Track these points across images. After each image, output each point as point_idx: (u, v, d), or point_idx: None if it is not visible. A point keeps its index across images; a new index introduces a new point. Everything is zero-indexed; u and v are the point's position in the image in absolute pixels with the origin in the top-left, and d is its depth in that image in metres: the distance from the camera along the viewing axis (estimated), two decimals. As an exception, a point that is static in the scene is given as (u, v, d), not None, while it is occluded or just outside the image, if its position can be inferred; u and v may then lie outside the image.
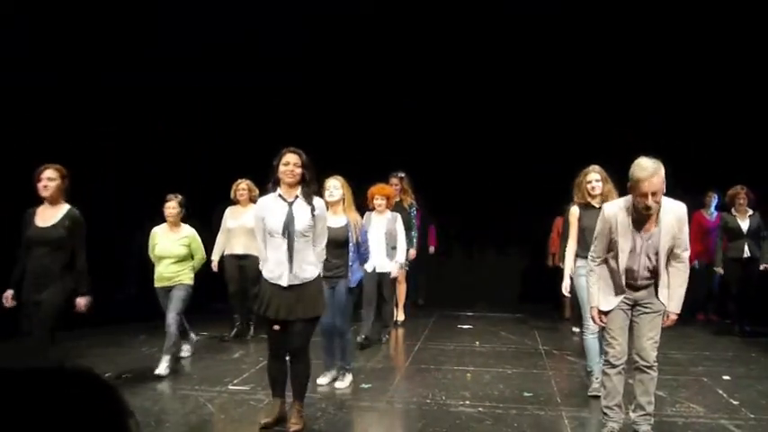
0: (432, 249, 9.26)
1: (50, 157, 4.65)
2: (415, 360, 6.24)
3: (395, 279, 7.01)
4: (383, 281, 6.66)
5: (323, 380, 5.23)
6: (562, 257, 5.44)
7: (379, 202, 6.50)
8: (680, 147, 8.52)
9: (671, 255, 3.76)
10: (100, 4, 7.15)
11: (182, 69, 7.88)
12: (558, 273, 6.43)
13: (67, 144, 6.31)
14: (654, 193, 3.56)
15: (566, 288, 5.11)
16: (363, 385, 5.30)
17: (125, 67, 7.36)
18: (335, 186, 5.18)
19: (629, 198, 3.75)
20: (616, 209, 3.80)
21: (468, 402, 4.84)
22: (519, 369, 5.88)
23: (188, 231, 5.84)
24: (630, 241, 3.73)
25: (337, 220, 5.19)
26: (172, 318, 5.56)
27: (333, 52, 8.95)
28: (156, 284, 5.77)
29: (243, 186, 6.79)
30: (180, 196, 5.78)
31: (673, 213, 3.70)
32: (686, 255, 3.81)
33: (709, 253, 7.94)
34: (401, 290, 7.82)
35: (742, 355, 6.48)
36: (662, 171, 3.58)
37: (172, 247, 5.72)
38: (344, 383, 5.24)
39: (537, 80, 9.10)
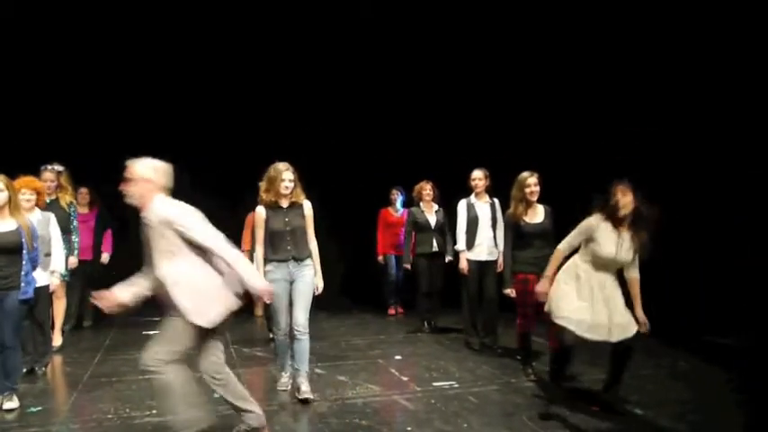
0: (105, 257, 7.94)
1: None
2: (95, 374, 5.70)
3: (51, 294, 5.78)
4: (38, 298, 5.17)
5: None
6: (251, 258, 5.37)
7: (27, 197, 5.35)
8: (367, 147, 9.23)
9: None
10: None
11: None
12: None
13: None
14: None
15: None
16: (31, 409, 4.68)
17: None
18: None
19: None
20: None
21: (154, 412, 4.59)
22: (209, 371, 5.75)
23: None
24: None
25: (5, 224, 4.60)
26: None
27: None
28: None
29: None
30: None
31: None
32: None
33: (396, 247, 8.48)
34: (59, 307, 6.59)
35: (411, 337, 7.27)
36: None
37: None
38: (12, 405, 4.63)
39: (205, 76, 8.99)
